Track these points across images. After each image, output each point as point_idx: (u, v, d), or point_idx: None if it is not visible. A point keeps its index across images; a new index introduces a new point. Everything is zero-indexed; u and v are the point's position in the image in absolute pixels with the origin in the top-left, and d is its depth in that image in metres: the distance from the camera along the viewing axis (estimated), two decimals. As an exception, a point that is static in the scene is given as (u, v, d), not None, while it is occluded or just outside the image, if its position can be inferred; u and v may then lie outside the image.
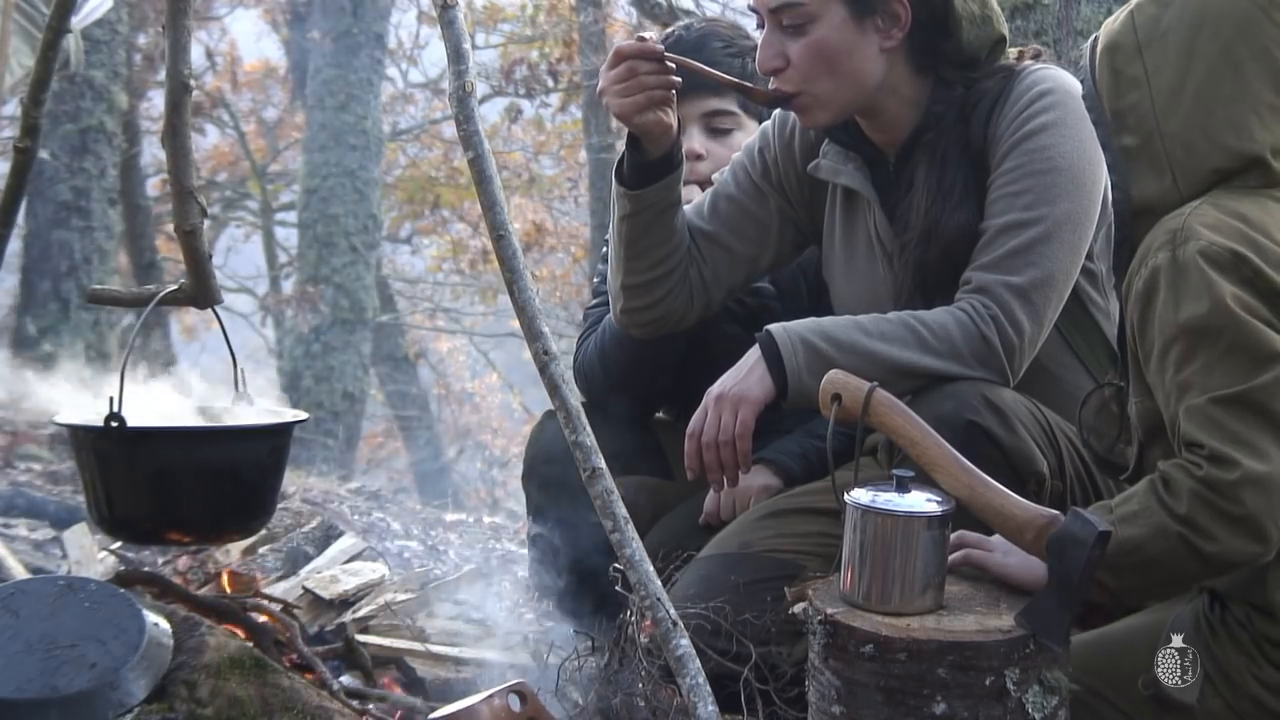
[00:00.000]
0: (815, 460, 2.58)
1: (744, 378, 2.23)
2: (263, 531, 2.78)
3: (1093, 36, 1.95)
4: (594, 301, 2.91)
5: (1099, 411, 2.06)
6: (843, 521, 1.76)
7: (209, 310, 2.40)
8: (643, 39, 2.30)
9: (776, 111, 2.52)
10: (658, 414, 2.90)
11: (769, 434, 2.66)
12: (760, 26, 2.31)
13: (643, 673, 2.12)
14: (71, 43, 2.55)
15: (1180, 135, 1.82)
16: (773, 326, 2.24)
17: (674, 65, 2.30)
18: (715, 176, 2.61)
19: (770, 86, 2.32)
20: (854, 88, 2.27)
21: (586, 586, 2.63)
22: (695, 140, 2.74)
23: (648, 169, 2.38)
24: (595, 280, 2.98)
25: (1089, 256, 2.28)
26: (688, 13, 11.30)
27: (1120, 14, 1.90)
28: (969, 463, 1.77)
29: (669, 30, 2.86)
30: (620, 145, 2.44)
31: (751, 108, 2.73)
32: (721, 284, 2.50)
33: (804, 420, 2.66)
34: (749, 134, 2.70)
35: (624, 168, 2.41)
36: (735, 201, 2.50)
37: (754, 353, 2.23)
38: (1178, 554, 1.70)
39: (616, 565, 2.03)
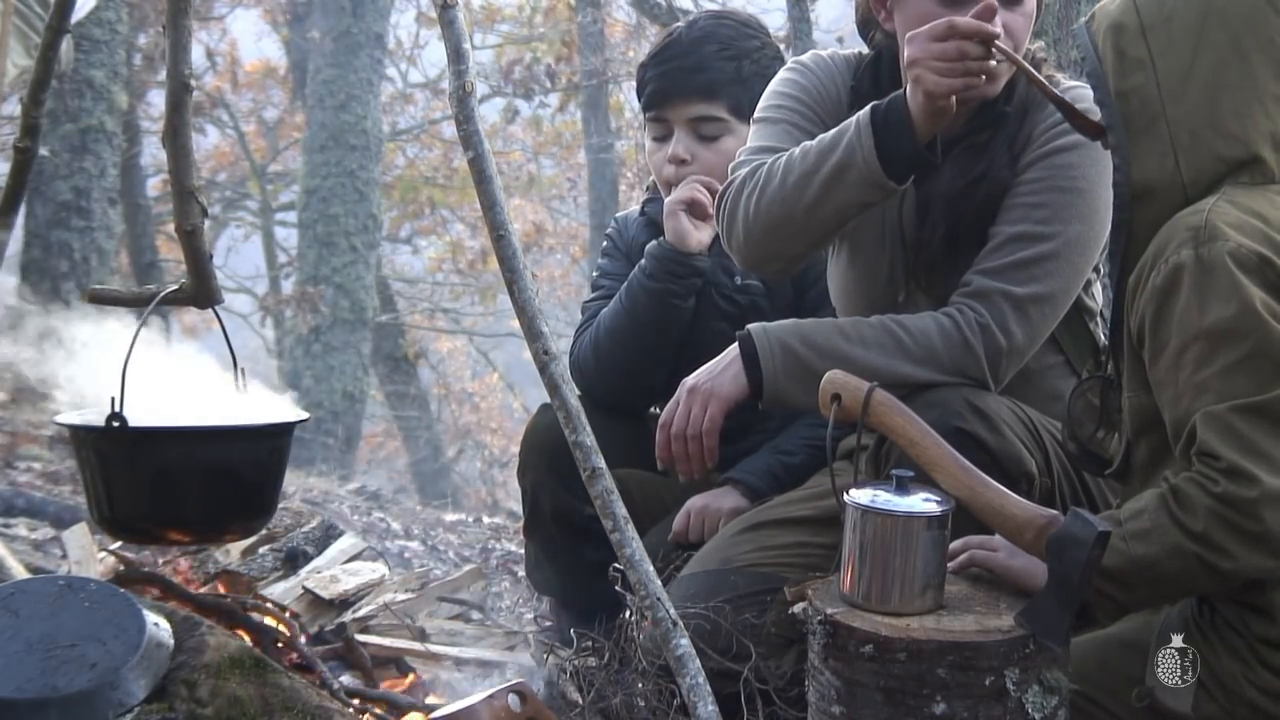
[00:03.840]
0: (783, 478, 2.60)
1: (718, 374, 2.24)
2: (263, 531, 2.78)
3: (1085, 16, 1.94)
4: (592, 295, 2.91)
5: (1077, 401, 2.06)
6: (835, 523, 1.76)
7: (209, 310, 2.40)
8: (989, 8, 2.07)
9: (804, 61, 2.43)
10: (651, 409, 2.91)
11: (754, 434, 2.66)
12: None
13: (642, 672, 2.12)
14: (64, 43, 2.53)
15: (1186, 121, 1.81)
16: (753, 327, 2.24)
17: (999, 54, 2.07)
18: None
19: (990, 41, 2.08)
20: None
21: (583, 584, 2.64)
22: (681, 145, 2.72)
23: (919, 159, 2.12)
24: (595, 274, 2.98)
25: None
26: (686, 13, 11.30)
27: None
28: (968, 463, 1.77)
29: (675, 28, 2.84)
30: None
31: (744, 112, 2.65)
32: None
33: (787, 420, 2.67)
34: (739, 139, 2.60)
35: (887, 150, 2.11)
36: (816, 127, 2.34)
37: (732, 350, 2.24)
38: (1192, 570, 1.69)
39: (616, 565, 2.03)
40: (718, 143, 2.72)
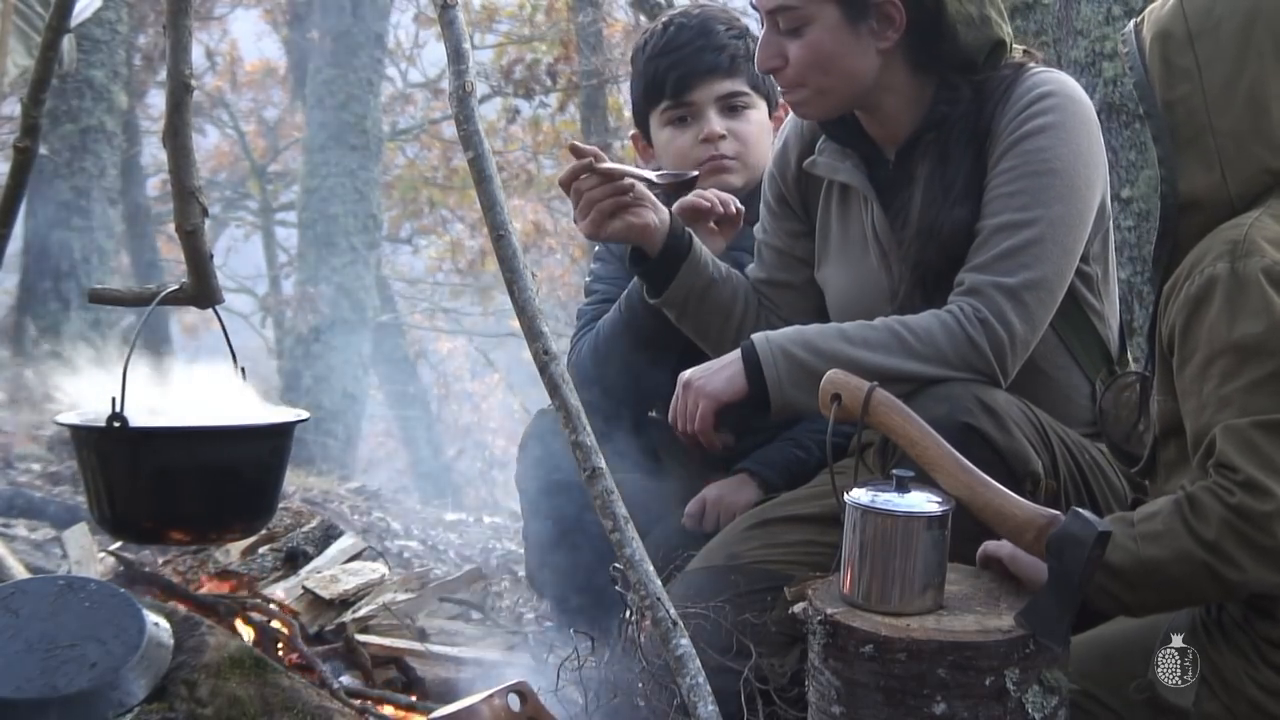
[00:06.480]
0: (797, 470, 2.60)
1: (713, 373, 2.25)
2: (263, 531, 2.78)
3: (1134, 21, 1.93)
4: (587, 301, 2.91)
5: (1119, 397, 2.05)
6: (842, 522, 1.76)
7: (209, 310, 2.41)
8: (576, 148, 2.32)
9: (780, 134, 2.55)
10: (650, 413, 2.90)
11: (757, 430, 2.66)
12: (761, 24, 2.32)
13: (642, 672, 2.12)
14: (66, 42, 2.53)
15: (1232, 132, 1.80)
16: (756, 335, 2.24)
17: (611, 170, 2.33)
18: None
19: (763, 71, 2.35)
20: (849, 86, 2.29)
21: (583, 585, 2.63)
22: (714, 122, 2.74)
23: (661, 269, 2.41)
24: (587, 279, 2.98)
25: (1085, 260, 2.28)
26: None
27: (1168, 1, 1.88)
28: (968, 462, 1.77)
29: (668, 20, 2.85)
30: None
31: (761, 86, 2.76)
32: (801, 315, 2.49)
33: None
34: (762, 111, 2.77)
35: (641, 281, 2.45)
36: (773, 245, 2.53)
37: (734, 354, 2.25)
38: (1199, 578, 1.69)
39: (616, 565, 2.03)
40: (746, 115, 2.78)
